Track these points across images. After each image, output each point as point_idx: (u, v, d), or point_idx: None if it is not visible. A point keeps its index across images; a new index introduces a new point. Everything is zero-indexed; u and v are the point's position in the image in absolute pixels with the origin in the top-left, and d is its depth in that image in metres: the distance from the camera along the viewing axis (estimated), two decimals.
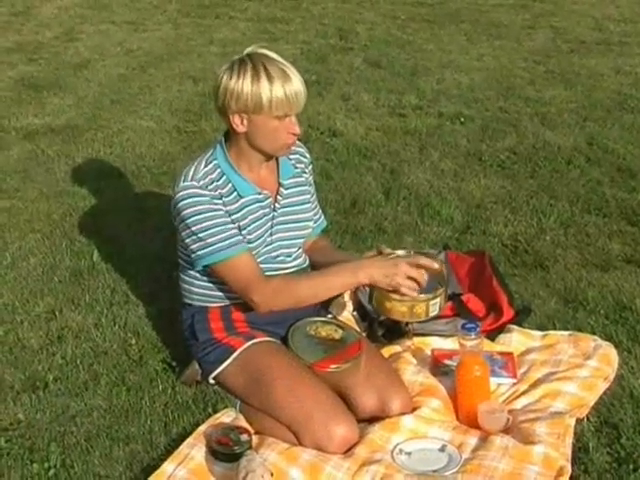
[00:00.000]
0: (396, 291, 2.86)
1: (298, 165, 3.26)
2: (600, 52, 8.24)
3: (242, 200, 3.05)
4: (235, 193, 3.05)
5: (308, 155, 3.33)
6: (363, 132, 6.00)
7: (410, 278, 2.84)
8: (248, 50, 2.99)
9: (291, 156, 3.22)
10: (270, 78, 2.87)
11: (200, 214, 2.95)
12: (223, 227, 2.96)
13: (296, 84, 2.91)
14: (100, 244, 4.33)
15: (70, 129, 6.05)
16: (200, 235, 2.96)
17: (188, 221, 2.96)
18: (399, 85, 7.13)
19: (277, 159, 3.16)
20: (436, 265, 2.94)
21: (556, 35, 8.93)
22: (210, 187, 2.99)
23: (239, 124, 2.96)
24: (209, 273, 3.10)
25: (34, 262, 4.18)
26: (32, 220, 4.63)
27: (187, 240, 3.01)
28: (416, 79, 7.31)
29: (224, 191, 3.02)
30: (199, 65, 7.73)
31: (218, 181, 3.01)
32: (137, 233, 4.45)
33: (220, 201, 3.00)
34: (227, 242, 2.96)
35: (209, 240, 2.96)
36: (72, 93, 6.90)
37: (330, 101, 6.67)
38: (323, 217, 3.44)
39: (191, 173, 2.99)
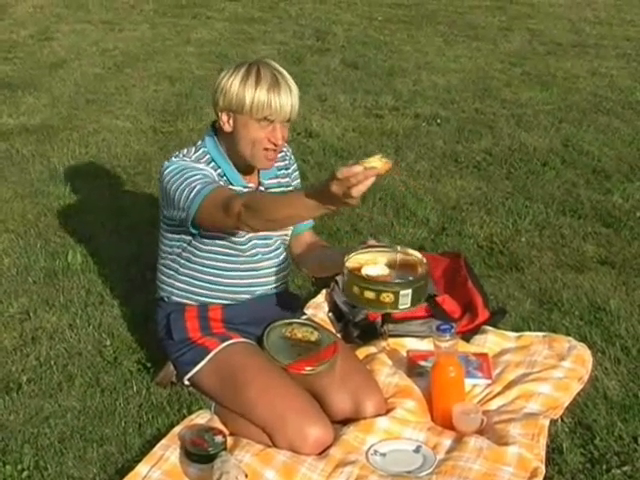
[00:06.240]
0: (372, 279, 2.75)
1: (280, 164, 3.24)
2: (576, 54, 8.29)
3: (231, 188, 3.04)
4: (225, 179, 3.04)
5: (290, 155, 3.33)
6: (339, 133, 6.01)
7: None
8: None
9: None
10: (258, 81, 2.90)
11: (186, 169, 2.92)
12: (208, 178, 2.91)
13: (284, 92, 2.91)
14: (75, 245, 4.30)
15: (45, 129, 6.01)
16: (184, 185, 2.87)
17: (174, 178, 2.91)
18: (376, 86, 7.14)
19: None
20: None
21: (532, 37, 8.98)
22: (202, 163, 3.00)
23: (226, 122, 2.97)
24: (190, 259, 3.08)
25: (8, 262, 4.15)
26: (6, 220, 4.59)
27: (176, 198, 2.90)
28: (393, 80, 7.33)
29: (215, 174, 3.00)
30: (176, 65, 7.71)
31: (208, 165, 3.01)
32: (112, 233, 4.42)
33: (213, 172, 2.99)
34: (208, 186, 2.86)
35: (192, 185, 2.85)
36: (47, 93, 6.86)
37: (307, 102, 6.65)
38: None
39: (180, 154, 3.02)
